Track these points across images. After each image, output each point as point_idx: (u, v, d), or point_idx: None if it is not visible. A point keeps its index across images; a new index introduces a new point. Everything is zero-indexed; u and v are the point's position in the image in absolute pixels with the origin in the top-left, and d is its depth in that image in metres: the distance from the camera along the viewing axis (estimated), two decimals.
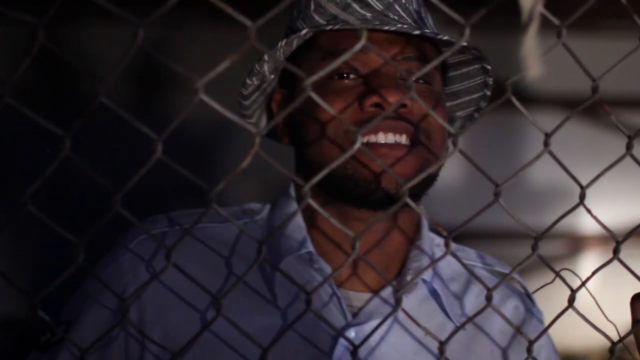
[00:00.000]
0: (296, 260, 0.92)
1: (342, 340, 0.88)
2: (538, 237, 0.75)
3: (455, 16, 0.62)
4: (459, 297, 0.97)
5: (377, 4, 0.92)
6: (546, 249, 4.03)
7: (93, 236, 0.63)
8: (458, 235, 0.73)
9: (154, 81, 4.70)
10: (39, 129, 0.72)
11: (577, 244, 4.49)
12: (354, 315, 0.91)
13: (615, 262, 0.82)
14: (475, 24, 0.63)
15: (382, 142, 0.88)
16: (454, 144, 0.66)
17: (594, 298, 0.88)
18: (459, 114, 1.05)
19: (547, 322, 0.82)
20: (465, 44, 0.73)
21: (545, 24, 0.66)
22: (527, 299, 1.03)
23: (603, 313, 0.85)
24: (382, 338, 0.90)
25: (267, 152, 0.65)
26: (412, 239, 0.97)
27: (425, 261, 0.94)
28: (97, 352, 0.90)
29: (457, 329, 0.76)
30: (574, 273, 0.88)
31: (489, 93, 1.01)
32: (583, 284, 0.81)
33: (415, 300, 0.93)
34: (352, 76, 0.90)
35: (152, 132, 0.61)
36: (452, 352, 0.85)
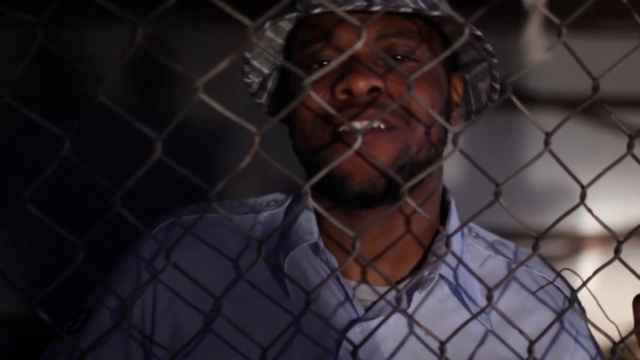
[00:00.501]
0: (305, 252, 0.90)
1: (349, 336, 0.86)
2: (539, 237, 0.75)
3: (455, 15, 0.62)
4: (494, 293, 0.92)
5: None
6: (547, 248, 4.03)
7: (93, 236, 0.63)
8: None
9: (154, 81, 4.70)
10: (38, 129, 0.72)
11: (577, 243, 4.49)
12: (367, 309, 0.88)
13: (616, 262, 0.82)
14: (475, 23, 0.63)
15: (357, 128, 0.81)
16: (454, 143, 0.66)
17: (594, 298, 0.88)
18: (480, 85, 0.98)
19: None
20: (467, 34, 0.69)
21: (546, 23, 0.66)
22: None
23: (604, 313, 0.85)
24: (388, 335, 0.87)
25: (267, 151, 0.65)
26: (437, 226, 0.93)
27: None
28: (117, 334, 0.90)
29: (457, 330, 0.76)
30: (575, 273, 0.88)
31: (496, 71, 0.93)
32: (584, 283, 0.81)
33: (436, 297, 0.89)
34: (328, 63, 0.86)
35: (152, 132, 0.61)
36: (472, 341, 0.86)
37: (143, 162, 0.63)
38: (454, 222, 0.94)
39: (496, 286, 0.76)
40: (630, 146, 0.76)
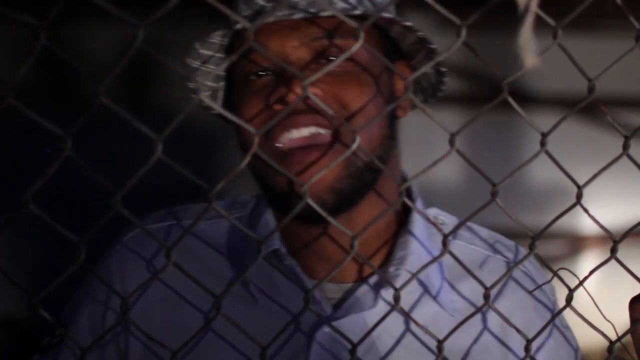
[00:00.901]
0: (269, 257, 0.89)
1: (317, 337, 0.86)
2: (535, 237, 0.75)
3: (452, 17, 0.63)
4: (460, 282, 0.92)
5: None
6: (545, 249, 4.03)
7: (94, 236, 0.64)
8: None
9: (154, 81, 4.70)
10: (39, 129, 0.73)
11: (576, 244, 4.49)
12: (335, 307, 0.88)
13: (614, 262, 0.82)
14: (472, 24, 0.63)
15: (297, 146, 0.82)
16: (451, 143, 0.66)
17: (591, 298, 0.89)
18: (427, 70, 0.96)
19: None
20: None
21: (542, 24, 0.67)
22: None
23: (601, 312, 0.86)
24: (363, 331, 0.85)
25: None
26: (402, 222, 0.93)
27: (414, 247, 0.89)
28: (96, 350, 0.90)
29: (456, 327, 0.77)
30: (572, 273, 0.88)
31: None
32: (580, 283, 0.81)
33: (408, 290, 0.87)
34: (267, 73, 0.85)
35: (152, 132, 0.61)
36: (440, 333, 0.82)
37: (143, 162, 0.63)
38: (417, 215, 0.93)
39: (492, 285, 0.77)
40: (625, 147, 0.77)
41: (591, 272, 0.81)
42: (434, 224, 0.81)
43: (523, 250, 0.99)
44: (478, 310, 0.79)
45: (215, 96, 0.98)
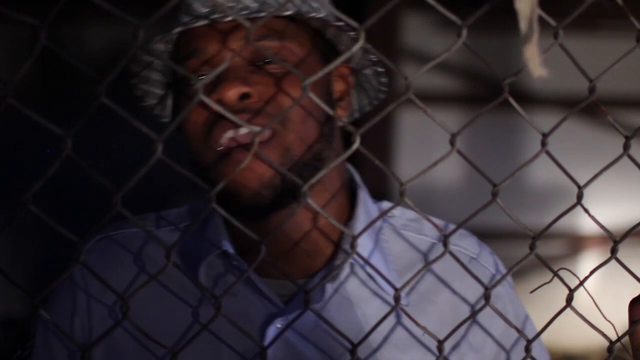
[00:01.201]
0: (215, 260, 0.91)
1: (269, 332, 0.87)
2: (536, 237, 0.75)
3: (452, 17, 0.63)
4: (408, 273, 0.93)
5: None
6: (546, 249, 4.03)
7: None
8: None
9: None
10: (40, 129, 0.73)
11: (576, 244, 4.49)
12: (286, 303, 0.90)
13: (615, 262, 0.82)
14: (473, 24, 0.63)
15: (234, 145, 0.85)
16: (452, 144, 0.66)
17: (592, 298, 0.89)
18: (366, 72, 0.98)
19: (545, 321, 0.82)
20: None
21: (542, 24, 0.66)
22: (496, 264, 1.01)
23: (601, 312, 0.86)
24: (317, 323, 0.88)
25: None
26: (349, 216, 0.95)
27: (361, 241, 0.90)
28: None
29: (456, 328, 0.77)
30: (572, 273, 0.88)
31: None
32: (581, 283, 0.81)
33: (350, 286, 0.91)
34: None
35: (153, 132, 0.62)
36: (390, 323, 0.88)
37: (143, 162, 0.63)
38: (362, 209, 0.95)
39: (493, 286, 0.77)
40: (626, 147, 0.77)
41: (591, 273, 0.81)
42: (436, 225, 0.81)
43: (471, 236, 1.02)
44: (478, 311, 0.79)
45: (164, 104, 1.00)
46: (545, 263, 0.79)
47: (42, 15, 0.59)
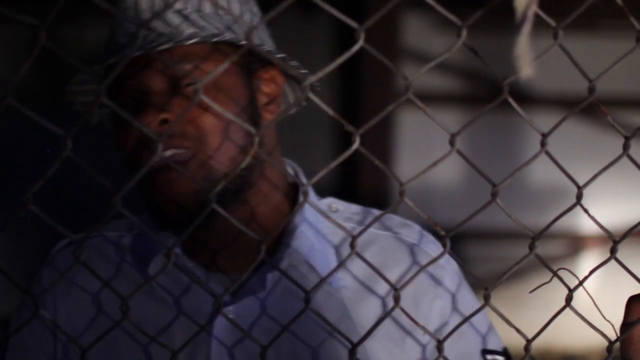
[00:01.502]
0: (164, 260, 0.94)
1: (216, 324, 0.93)
2: (535, 237, 0.75)
3: (452, 17, 0.63)
4: (350, 261, 0.93)
5: (134, 24, 0.92)
6: (545, 249, 4.03)
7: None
8: (456, 235, 0.74)
9: None
10: (40, 129, 0.72)
11: (576, 244, 4.49)
12: (233, 295, 0.95)
13: (614, 262, 0.83)
14: (472, 24, 0.63)
15: (157, 167, 0.90)
16: (452, 144, 0.66)
17: (591, 297, 0.89)
18: (292, 72, 1.02)
19: (544, 322, 0.82)
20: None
21: (542, 25, 0.67)
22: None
23: (600, 312, 0.86)
24: (262, 311, 0.94)
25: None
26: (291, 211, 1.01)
27: (298, 233, 0.95)
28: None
29: (456, 327, 0.77)
30: (572, 273, 0.88)
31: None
32: (580, 283, 0.81)
33: (296, 274, 0.94)
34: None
35: (153, 133, 0.62)
36: (332, 311, 0.94)
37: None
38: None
39: (494, 286, 0.77)
40: (626, 147, 0.77)
41: (591, 272, 0.81)
42: (435, 226, 0.81)
43: (414, 225, 1.06)
44: (479, 309, 0.80)
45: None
46: (544, 263, 0.79)
47: (42, 15, 0.59)
